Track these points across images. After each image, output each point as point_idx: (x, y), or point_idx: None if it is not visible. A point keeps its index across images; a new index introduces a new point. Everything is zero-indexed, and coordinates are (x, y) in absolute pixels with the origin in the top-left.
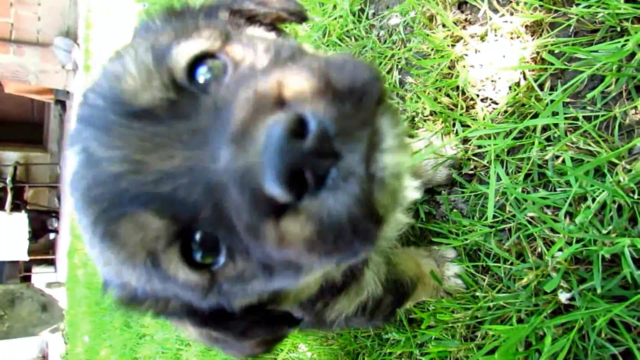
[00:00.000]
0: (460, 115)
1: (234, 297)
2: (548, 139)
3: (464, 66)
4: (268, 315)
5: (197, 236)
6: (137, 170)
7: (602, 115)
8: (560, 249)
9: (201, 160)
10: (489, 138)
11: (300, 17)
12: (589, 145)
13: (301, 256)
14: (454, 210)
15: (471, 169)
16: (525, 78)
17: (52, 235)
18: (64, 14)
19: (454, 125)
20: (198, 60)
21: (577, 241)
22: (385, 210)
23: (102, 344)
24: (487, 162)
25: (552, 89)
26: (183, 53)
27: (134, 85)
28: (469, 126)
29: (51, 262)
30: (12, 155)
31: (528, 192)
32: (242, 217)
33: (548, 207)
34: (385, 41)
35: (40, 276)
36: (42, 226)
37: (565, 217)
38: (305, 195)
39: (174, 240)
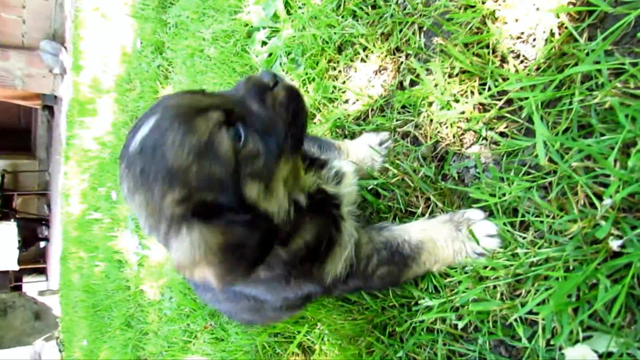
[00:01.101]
0: (493, 69)
1: (246, 181)
2: (589, 89)
3: (495, 20)
4: (262, 218)
5: (229, 128)
6: (199, 101)
7: None
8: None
9: (230, 97)
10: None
11: None
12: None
13: (285, 109)
14: (491, 166)
15: (505, 127)
16: (560, 32)
17: (42, 244)
18: (50, 16)
19: (484, 85)
20: None
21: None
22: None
23: (101, 346)
24: (523, 118)
25: (590, 39)
26: None
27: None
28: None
29: (42, 271)
30: None
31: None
32: (256, 97)
33: (588, 158)
34: (405, 7)
35: (31, 285)
36: (32, 234)
37: (615, 164)
38: (277, 81)
39: (222, 125)
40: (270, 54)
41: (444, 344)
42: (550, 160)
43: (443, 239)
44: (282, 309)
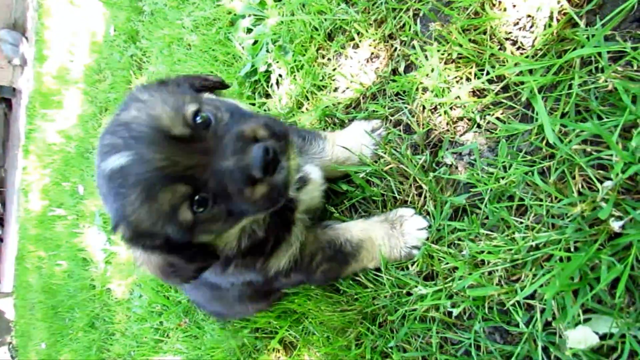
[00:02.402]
0: (491, 56)
1: (199, 234)
2: (588, 73)
3: (493, 6)
4: (205, 251)
5: (197, 197)
6: (174, 164)
7: None
8: (609, 179)
9: (213, 161)
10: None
11: (223, 85)
12: None
13: (258, 203)
14: (485, 153)
15: (500, 114)
16: (559, 17)
17: None
18: (11, 5)
19: (481, 71)
20: (196, 113)
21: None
22: (290, 183)
23: (61, 349)
24: (521, 104)
25: (589, 25)
26: (190, 108)
27: (168, 123)
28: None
29: None
30: None
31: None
32: (237, 184)
33: (586, 142)
34: None
35: None
36: None
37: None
38: (266, 176)
39: (187, 198)
40: (255, 41)
41: (437, 332)
42: (548, 145)
43: (380, 237)
44: (243, 298)
